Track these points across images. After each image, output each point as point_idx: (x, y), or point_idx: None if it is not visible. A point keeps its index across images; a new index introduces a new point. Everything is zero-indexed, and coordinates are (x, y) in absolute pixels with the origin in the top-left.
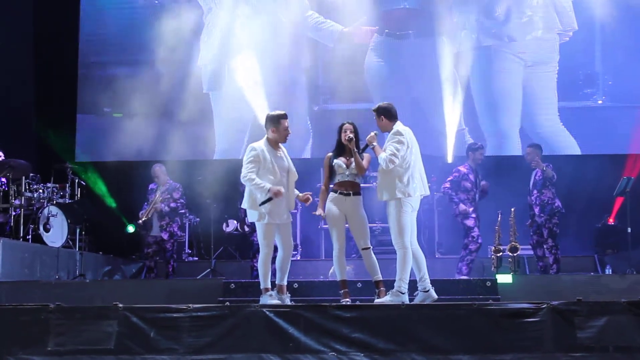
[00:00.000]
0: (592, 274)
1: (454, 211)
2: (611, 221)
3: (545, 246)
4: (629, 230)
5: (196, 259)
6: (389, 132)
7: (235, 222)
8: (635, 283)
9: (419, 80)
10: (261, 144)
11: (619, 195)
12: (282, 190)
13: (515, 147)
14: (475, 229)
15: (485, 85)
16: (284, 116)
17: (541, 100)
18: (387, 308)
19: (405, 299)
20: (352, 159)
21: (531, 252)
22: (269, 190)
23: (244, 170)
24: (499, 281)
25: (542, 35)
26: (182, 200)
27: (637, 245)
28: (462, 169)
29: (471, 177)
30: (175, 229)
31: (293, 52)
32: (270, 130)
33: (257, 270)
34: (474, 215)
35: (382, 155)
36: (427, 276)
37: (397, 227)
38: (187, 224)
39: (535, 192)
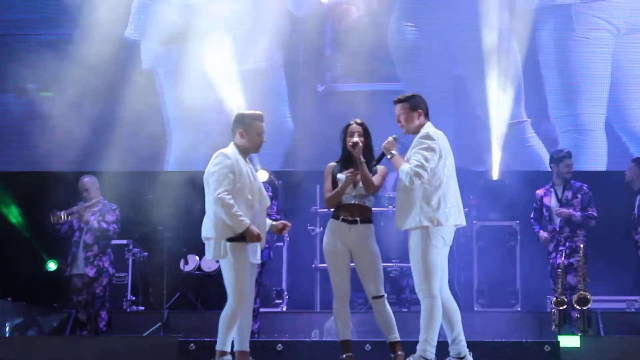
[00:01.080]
0: None
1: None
2: None
3: None
4: None
5: (142, 308)
6: (415, 134)
7: (197, 258)
8: None
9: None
10: (233, 152)
11: None
12: (261, 236)
13: (598, 150)
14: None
15: (559, 61)
16: (259, 117)
17: (637, 83)
18: None
19: None
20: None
21: (607, 305)
22: (246, 229)
23: (216, 188)
24: (562, 345)
25: None
26: (115, 226)
27: None
28: (540, 192)
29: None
30: (106, 264)
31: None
32: (238, 133)
33: None
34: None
35: (405, 168)
36: (462, 337)
37: (422, 268)
38: (130, 260)
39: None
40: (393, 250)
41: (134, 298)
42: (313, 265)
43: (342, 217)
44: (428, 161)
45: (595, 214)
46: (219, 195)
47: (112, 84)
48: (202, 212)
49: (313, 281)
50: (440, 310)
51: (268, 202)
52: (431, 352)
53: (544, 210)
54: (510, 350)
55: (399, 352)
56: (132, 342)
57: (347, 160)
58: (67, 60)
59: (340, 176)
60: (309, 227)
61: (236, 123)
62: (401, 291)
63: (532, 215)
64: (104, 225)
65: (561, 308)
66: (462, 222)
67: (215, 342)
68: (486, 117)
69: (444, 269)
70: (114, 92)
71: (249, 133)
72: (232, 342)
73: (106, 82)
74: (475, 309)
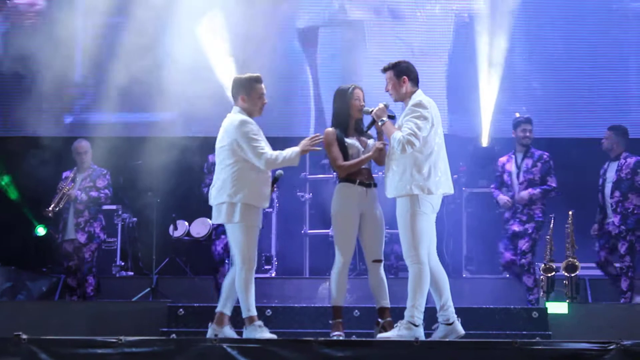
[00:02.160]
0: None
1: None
2: None
3: (618, 265)
4: None
5: (131, 274)
6: (406, 102)
7: (186, 223)
8: None
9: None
10: (245, 117)
11: None
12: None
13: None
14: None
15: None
16: (259, 79)
17: None
18: (394, 346)
19: (420, 333)
20: (364, 139)
21: (596, 273)
22: (300, 151)
23: (257, 152)
24: (550, 311)
25: None
26: (107, 192)
27: None
28: (503, 159)
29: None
30: (98, 230)
31: None
32: (240, 98)
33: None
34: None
35: (397, 135)
36: (450, 303)
37: (411, 235)
38: (119, 225)
39: (617, 193)
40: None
41: (123, 263)
42: (302, 232)
43: (359, 180)
44: (420, 129)
45: (554, 185)
46: (267, 157)
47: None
48: (192, 178)
49: (302, 247)
50: (428, 277)
51: None
52: (419, 317)
53: (505, 176)
54: (498, 317)
55: (388, 318)
56: (121, 307)
57: (345, 125)
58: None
59: (349, 141)
60: (298, 193)
61: (236, 87)
62: (386, 258)
63: (492, 185)
64: (94, 193)
65: (549, 275)
66: (451, 190)
67: (203, 308)
68: (476, 84)
69: (432, 235)
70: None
71: (250, 96)
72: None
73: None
74: (464, 275)
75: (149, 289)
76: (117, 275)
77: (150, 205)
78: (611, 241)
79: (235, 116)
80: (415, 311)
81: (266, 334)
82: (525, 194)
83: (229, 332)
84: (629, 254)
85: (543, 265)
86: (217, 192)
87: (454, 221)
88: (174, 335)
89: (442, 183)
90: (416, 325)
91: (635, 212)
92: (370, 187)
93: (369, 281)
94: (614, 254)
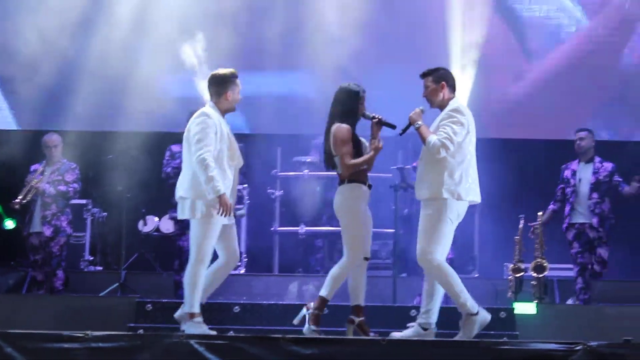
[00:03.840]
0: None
1: None
2: None
3: (596, 268)
4: None
5: (100, 268)
6: (440, 107)
7: (156, 219)
8: None
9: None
10: (214, 112)
11: None
12: (232, 206)
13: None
14: None
15: None
16: (235, 75)
17: None
18: (363, 343)
19: (484, 315)
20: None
21: (564, 273)
22: (220, 197)
23: (199, 149)
24: (517, 312)
25: None
26: (75, 186)
27: None
28: None
29: None
30: (64, 224)
31: None
32: (215, 93)
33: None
34: None
35: (432, 138)
36: (436, 310)
37: (432, 237)
38: (88, 219)
39: (595, 195)
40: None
41: (92, 258)
42: (272, 229)
43: (367, 183)
44: (456, 134)
45: None
46: (202, 156)
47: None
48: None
49: (272, 244)
50: (451, 270)
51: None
52: (472, 305)
53: None
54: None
55: (362, 317)
56: (89, 302)
57: (353, 124)
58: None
59: (363, 140)
60: (269, 190)
61: (212, 83)
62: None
63: None
64: (62, 187)
65: (517, 275)
66: (478, 198)
67: (172, 304)
68: None
69: (449, 242)
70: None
71: (226, 92)
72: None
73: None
74: None
75: (117, 284)
76: (86, 270)
77: (120, 200)
78: (587, 244)
79: (200, 109)
80: (466, 302)
81: (205, 331)
82: None
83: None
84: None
85: (512, 265)
86: (179, 187)
87: None
88: (141, 331)
89: (472, 190)
90: (475, 314)
91: (610, 216)
92: (370, 188)
93: (352, 278)
94: (591, 255)
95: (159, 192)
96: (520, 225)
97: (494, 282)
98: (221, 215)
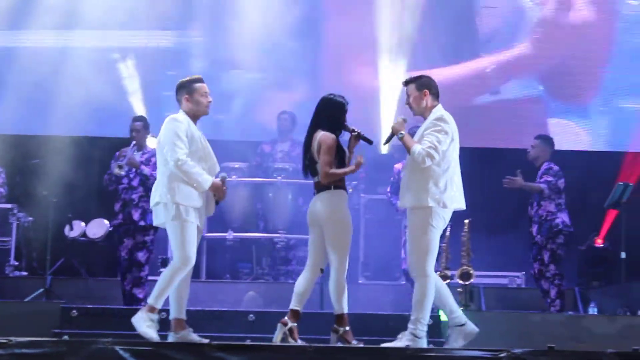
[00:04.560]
0: (570, 313)
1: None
2: (599, 242)
3: (547, 275)
4: (623, 255)
5: (25, 273)
6: (425, 116)
7: (82, 224)
8: (627, 327)
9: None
10: (184, 117)
11: (611, 207)
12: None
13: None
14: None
15: None
16: (200, 79)
17: None
18: (289, 350)
19: (423, 343)
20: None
21: (490, 281)
22: (212, 184)
23: (174, 153)
24: (443, 318)
25: None
26: (1, 190)
27: (633, 277)
28: (399, 166)
29: None
30: None
31: None
32: (184, 99)
33: (131, 296)
34: None
35: (417, 148)
36: (456, 307)
37: (421, 247)
38: (14, 224)
39: (534, 203)
40: (281, 222)
41: (17, 263)
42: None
43: (346, 190)
44: (440, 143)
45: None
46: (180, 159)
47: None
48: (90, 178)
49: (200, 250)
50: (433, 290)
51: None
52: (422, 330)
53: None
54: (392, 323)
55: (347, 327)
56: (13, 308)
57: (337, 133)
58: None
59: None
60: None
61: (179, 90)
62: (288, 263)
63: (388, 189)
64: None
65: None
66: (463, 205)
67: (98, 310)
68: (377, 90)
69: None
70: None
71: (193, 96)
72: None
73: None
74: (360, 281)
75: (42, 289)
76: (11, 275)
77: (46, 204)
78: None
79: (170, 119)
80: (418, 324)
81: (145, 329)
82: None
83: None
84: (553, 262)
85: (438, 272)
86: (154, 193)
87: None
88: (66, 337)
89: (456, 198)
90: (419, 338)
91: (549, 218)
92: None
93: (331, 286)
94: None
95: (87, 197)
96: (447, 233)
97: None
98: (217, 199)
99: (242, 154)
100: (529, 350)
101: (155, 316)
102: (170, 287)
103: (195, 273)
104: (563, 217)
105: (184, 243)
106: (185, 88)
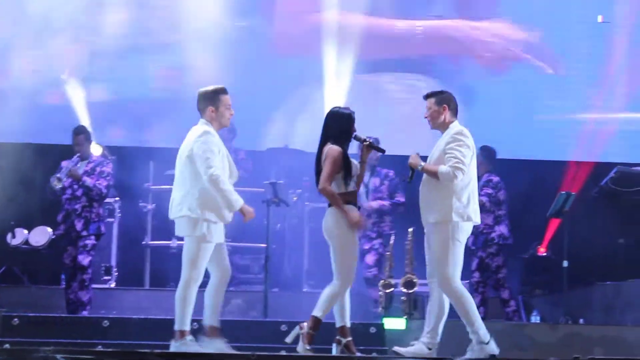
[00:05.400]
0: (513, 321)
1: None
2: (542, 251)
3: (471, 281)
4: (566, 264)
5: None
6: (440, 129)
7: (25, 231)
8: (569, 336)
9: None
10: (213, 130)
11: (554, 216)
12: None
13: None
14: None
15: None
16: (224, 90)
17: None
18: (233, 359)
19: (493, 348)
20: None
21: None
22: (242, 207)
23: (209, 167)
24: (387, 327)
25: None
26: None
27: (575, 285)
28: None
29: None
30: None
31: None
32: (209, 110)
33: (74, 303)
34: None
35: (443, 169)
36: (440, 330)
37: (447, 261)
38: None
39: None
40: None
41: None
42: (143, 242)
43: (355, 204)
44: (465, 157)
45: (402, 200)
46: (214, 174)
47: None
48: (33, 186)
49: (143, 258)
50: (469, 296)
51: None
52: (484, 334)
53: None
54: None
55: (349, 338)
56: None
57: (345, 146)
58: None
59: (354, 162)
60: (140, 204)
61: (203, 101)
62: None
63: (386, 203)
64: None
65: (387, 291)
66: (480, 220)
67: (40, 318)
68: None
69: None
70: None
71: (218, 108)
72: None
73: None
74: (304, 289)
75: None
76: None
77: None
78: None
79: (199, 127)
80: (479, 331)
81: (194, 348)
82: (375, 203)
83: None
84: (478, 269)
85: (382, 281)
86: (178, 206)
87: (296, 235)
88: (7, 345)
89: (477, 211)
90: (486, 343)
91: (485, 231)
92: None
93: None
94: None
95: (30, 205)
96: (391, 242)
97: (364, 297)
98: (245, 220)
99: None
100: (472, 358)
101: (189, 336)
102: (190, 304)
103: (139, 281)
104: (501, 230)
105: (199, 261)
106: (210, 99)
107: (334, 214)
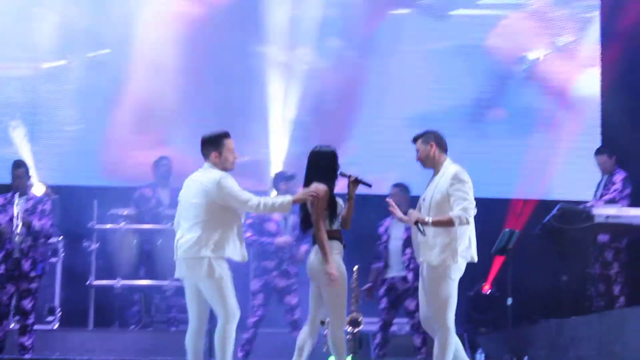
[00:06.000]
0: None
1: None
2: (487, 289)
3: (407, 321)
4: (510, 301)
5: None
6: (437, 169)
7: None
8: None
9: None
10: (221, 172)
11: (498, 253)
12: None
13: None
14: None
15: None
16: (228, 134)
17: None
18: None
19: None
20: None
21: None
22: (293, 200)
23: (245, 199)
24: None
25: None
26: None
27: (519, 322)
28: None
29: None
30: None
31: None
32: (213, 156)
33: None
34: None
35: (455, 214)
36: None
37: (442, 301)
38: None
39: (409, 251)
40: (169, 269)
41: None
42: (88, 283)
43: (341, 242)
44: (470, 197)
45: None
46: (254, 203)
47: None
48: None
49: (87, 298)
50: (454, 342)
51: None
52: None
53: (272, 224)
54: None
55: None
56: None
57: (330, 184)
58: None
59: (339, 201)
60: (84, 243)
61: (206, 146)
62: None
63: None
64: None
65: (356, 330)
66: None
67: None
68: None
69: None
70: None
71: (222, 153)
72: None
73: None
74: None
75: None
76: None
77: None
78: (396, 299)
79: (211, 174)
80: None
81: None
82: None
83: None
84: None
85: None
86: (195, 246)
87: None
88: None
89: (475, 250)
90: None
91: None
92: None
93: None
94: (398, 310)
95: None
96: (354, 275)
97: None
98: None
99: (124, 200)
100: None
101: None
102: (231, 343)
103: (83, 321)
104: None
105: (228, 297)
106: (214, 144)
107: (318, 251)
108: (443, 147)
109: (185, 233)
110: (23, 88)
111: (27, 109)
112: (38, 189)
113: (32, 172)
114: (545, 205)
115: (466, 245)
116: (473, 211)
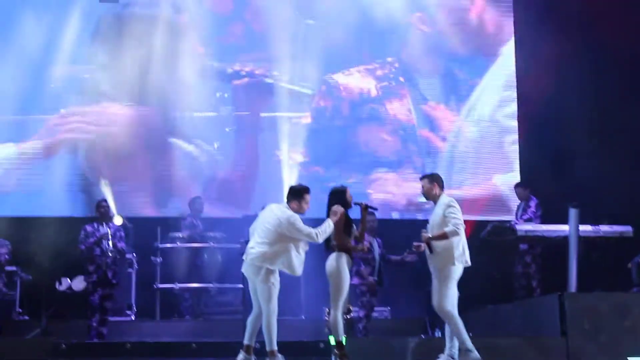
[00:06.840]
0: (422, 336)
1: None
2: None
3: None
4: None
5: (27, 318)
6: (435, 201)
7: (68, 280)
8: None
9: None
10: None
11: None
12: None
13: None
14: None
15: None
16: (308, 191)
17: None
18: None
19: (476, 355)
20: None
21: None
22: (333, 220)
23: (309, 232)
24: (332, 343)
25: None
26: (7, 257)
27: (466, 309)
28: None
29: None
30: (0, 285)
31: None
32: (294, 203)
33: (95, 330)
34: None
35: (448, 229)
36: (456, 345)
37: (446, 292)
38: (18, 281)
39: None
40: (213, 275)
41: (21, 310)
42: (155, 286)
43: (351, 253)
44: (459, 217)
45: None
46: (312, 236)
47: None
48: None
49: (155, 297)
50: (460, 320)
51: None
52: (469, 344)
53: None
54: (296, 347)
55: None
56: (14, 344)
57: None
58: None
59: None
60: (152, 258)
61: (293, 195)
62: (219, 305)
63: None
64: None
65: (348, 317)
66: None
67: (81, 344)
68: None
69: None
70: None
71: (300, 203)
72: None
73: None
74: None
75: (38, 329)
76: (17, 319)
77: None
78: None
79: (287, 212)
80: (466, 342)
81: None
82: None
83: None
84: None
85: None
86: (269, 258)
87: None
88: None
89: (468, 256)
90: (471, 351)
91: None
92: (353, 259)
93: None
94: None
95: (70, 261)
96: None
97: (318, 322)
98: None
99: (176, 226)
100: None
101: (281, 356)
102: (275, 329)
103: (152, 314)
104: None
105: (273, 299)
106: (298, 196)
107: (336, 259)
108: (442, 186)
109: (256, 245)
110: None
111: None
112: (117, 219)
113: (112, 206)
114: (481, 224)
115: (460, 252)
116: (462, 226)
